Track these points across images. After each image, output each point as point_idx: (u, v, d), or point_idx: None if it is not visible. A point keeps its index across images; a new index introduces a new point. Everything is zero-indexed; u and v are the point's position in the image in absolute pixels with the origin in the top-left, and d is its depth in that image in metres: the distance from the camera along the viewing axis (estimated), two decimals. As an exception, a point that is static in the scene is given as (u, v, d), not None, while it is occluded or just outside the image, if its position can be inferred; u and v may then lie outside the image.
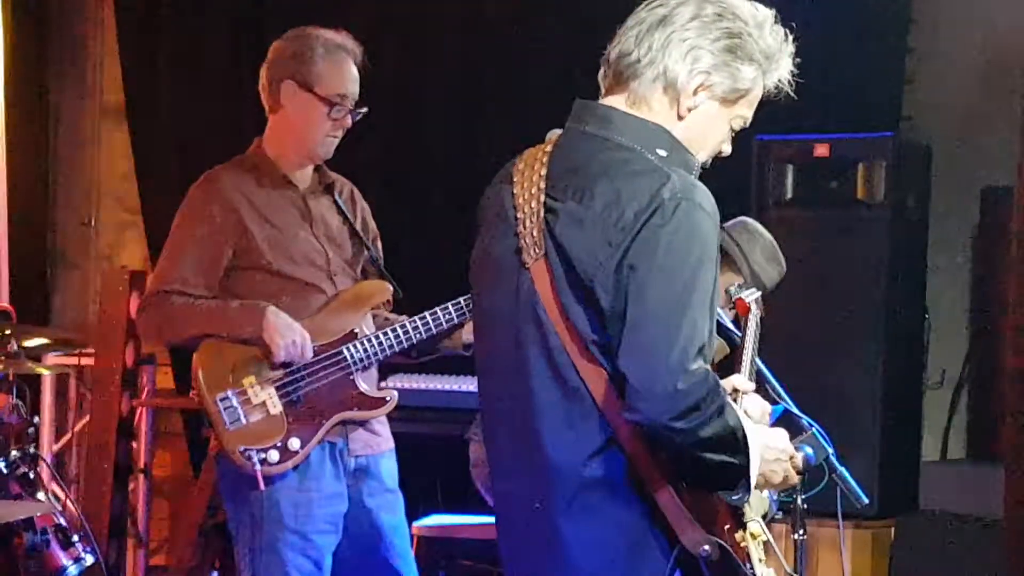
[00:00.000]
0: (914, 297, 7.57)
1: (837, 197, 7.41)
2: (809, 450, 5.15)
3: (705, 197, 3.89)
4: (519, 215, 4.06)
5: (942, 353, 7.90)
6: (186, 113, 8.30)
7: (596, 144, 4.03)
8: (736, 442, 3.86)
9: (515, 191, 4.10)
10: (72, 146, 8.79)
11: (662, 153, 3.96)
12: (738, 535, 4.00)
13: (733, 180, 7.19)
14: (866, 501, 5.38)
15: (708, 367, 3.82)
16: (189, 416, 7.31)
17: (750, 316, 4.52)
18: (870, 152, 7.37)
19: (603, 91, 4.12)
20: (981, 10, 7.73)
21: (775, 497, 6.16)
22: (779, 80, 4.10)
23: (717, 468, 3.87)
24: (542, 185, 4.06)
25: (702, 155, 4.11)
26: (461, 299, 5.65)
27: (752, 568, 4.00)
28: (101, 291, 7.32)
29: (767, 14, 4.07)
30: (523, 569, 4.16)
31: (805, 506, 5.20)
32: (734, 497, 3.98)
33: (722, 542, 3.90)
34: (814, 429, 5.20)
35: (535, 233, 4.02)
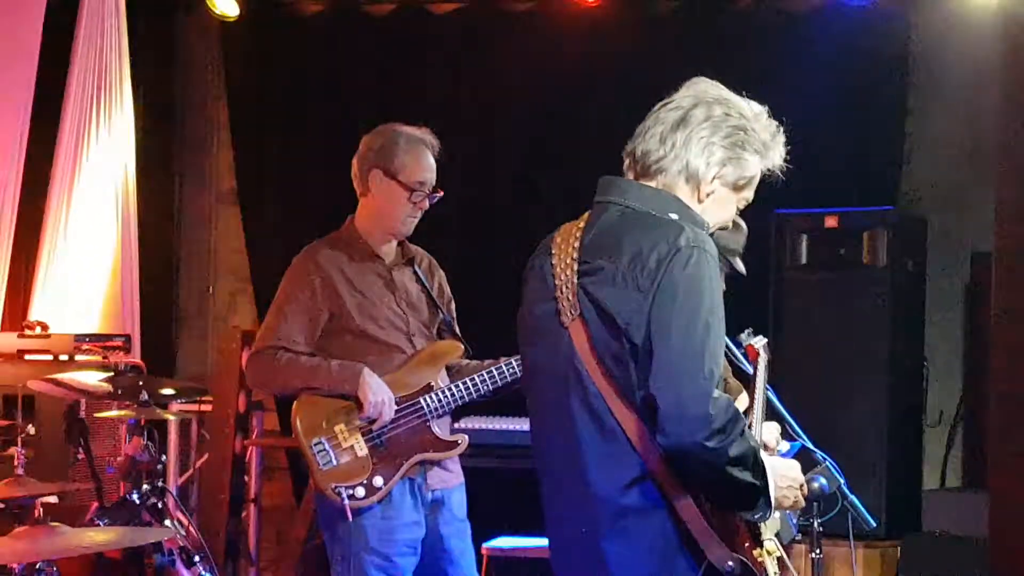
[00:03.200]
0: (914, 347, 7.58)
1: (845, 262, 7.44)
2: (823, 480, 5.17)
3: (711, 245, 3.95)
4: (556, 282, 4.07)
5: (939, 395, 7.92)
6: (288, 196, 8.46)
7: (619, 211, 4.07)
8: (757, 463, 3.87)
9: (553, 262, 4.10)
10: (193, 226, 8.85)
11: (674, 216, 3.97)
12: (756, 552, 3.98)
13: (755, 247, 7.25)
14: (874, 524, 5.39)
15: (728, 396, 3.85)
16: (292, 453, 7.35)
17: (759, 360, 4.54)
18: (873, 223, 7.42)
19: (629, 174, 4.16)
20: (967, 100, 7.79)
21: (795, 521, 6.19)
22: (774, 165, 4.15)
23: (741, 487, 3.86)
24: (575, 256, 4.06)
25: (714, 226, 4.14)
26: None
27: None
28: (217, 347, 7.38)
29: (761, 109, 4.14)
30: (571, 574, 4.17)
31: (821, 529, 5.16)
32: (756, 516, 3.99)
33: (743, 558, 3.90)
34: (827, 462, 5.23)
35: (571, 297, 4.02)
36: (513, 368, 5.80)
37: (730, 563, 3.86)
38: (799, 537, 6.09)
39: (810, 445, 5.21)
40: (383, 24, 8.59)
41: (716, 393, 3.79)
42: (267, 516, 7.68)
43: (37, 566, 4.75)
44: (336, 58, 8.51)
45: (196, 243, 8.89)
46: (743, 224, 4.89)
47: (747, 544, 3.98)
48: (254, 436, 7.48)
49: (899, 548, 7.30)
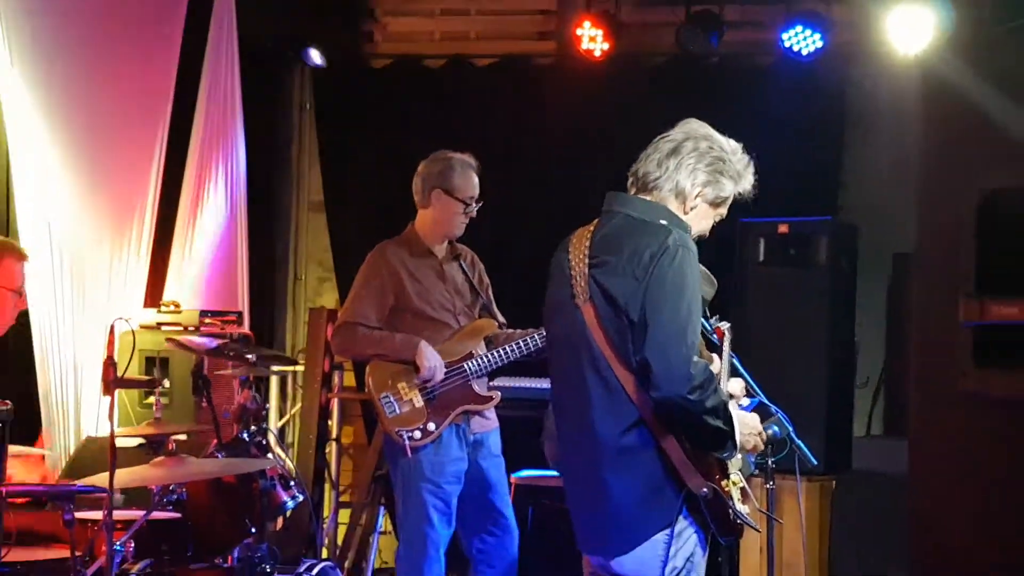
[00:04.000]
0: (847, 326, 7.49)
1: (794, 260, 7.33)
2: (776, 428, 5.12)
3: (693, 245, 4.01)
4: (572, 272, 4.10)
5: (866, 364, 7.86)
6: (362, 205, 8.44)
7: (620, 219, 4.11)
8: (726, 413, 3.93)
9: (569, 257, 4.14)
10: (288, 230, 8.84)
11: (663, 222, 4.02)
12: (724, 483, 4.01)
13: (723, 249, 7.29)
14: (815, 463, 5.48)
15: (705, 361, 3.94)
16: (365, 404, 7.32)
17: (725, 338, 4.49)
18: (816, 230, 7.32)
19: (632, 191, 4.20)
20: (891, 136, 7.75)
21: (753, 460, 6.17)
22: (744, 190, 4.19)
23: (714, 431, 3.90)
24: (587, 252, 4.09)
25: (695, 234, 4.14)
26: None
27: (733, 504, 4.01)
28: (308, 322, 7.33)
29: (737, 146, 4.19)
30: (583, 506, 4.14)
31: (774, 466, 5.13)
32: (724, 455, 4.02)
33: (714, 486, 3.94)
34: (779, 414, 5.18)
35: (583, 284, 4.06)
36: (536, 340, 5.81)
37: (704, 489, 3.92)
38: (756, 472, 6.06)
39: (766, 401, 5.16)
40: (435, 73, 8.59)
41: (695, 359, 3.86)
42: (345, 452, 7.66)
43: (171, 488, 4.75)
44: (399, 99, 8.49)
45: (291, 243, 8.89)
46: (714, 280, 4.90)
47: (717, 476, 4.00)
48: (336, 390, 7.46)
49: (834, 482, 7.23)
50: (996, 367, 2.80)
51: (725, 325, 4.60)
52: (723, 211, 4.22)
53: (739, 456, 4.20)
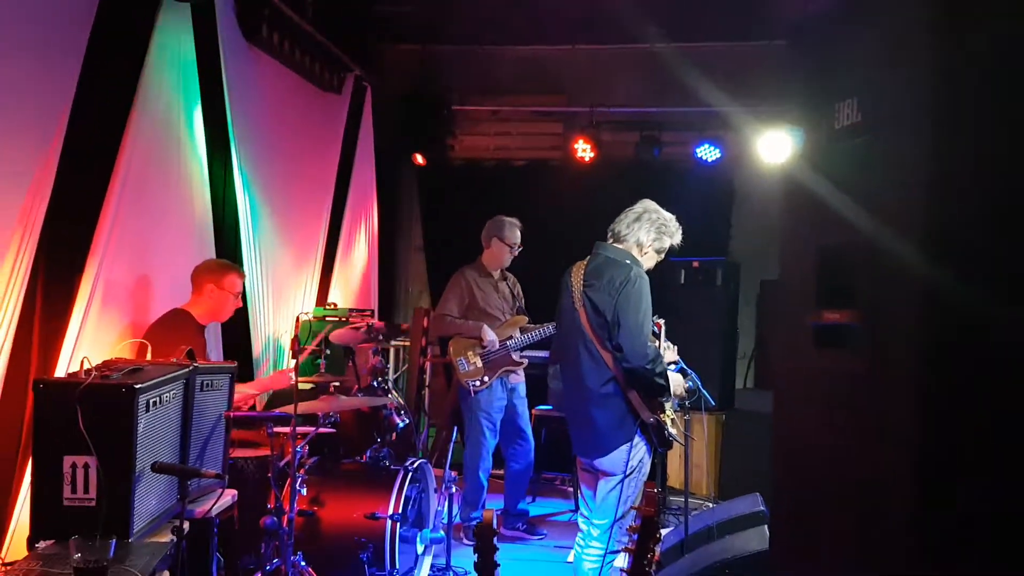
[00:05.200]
0: (733, 324, 7.50)
1: (701, 284, 7.34)
2: (691, 383, 5.10)
3: (645, 275, 4.03)
4: (573, 290, 4.13)
5: (744, 346, 7.82)
6: (447, 248, 8.28)
7: (602, 258, 4.10)
8: (665, 375, 3.96)
9: (571, 280, 4.15)
10: (401, 262, 8.80)
11: (628, 261, 4.04)
12: (663, 416, 4.05)
13: (655, 276, 7.22)
14: (714, 404, 5.38)
15: (655, 345, 3.96)
16: (446, 365, 7.30)
17: (661, 329, 4.51)
18: (715, 265, 7.35)
19: (610, 241, 4.18)
20: (762, 207, 7.66)
21: (676, 403, 6.10)
22: (675, 243, 4.20)
23: (658, 386, 3.94)
24: (582, 277, 4.10)
25: (646, 268, 4.14)
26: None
27: (668, 429, 4.04)
28: (412, 316, 7.33)
29: (672, 216, 4.21)
30: (578, 427, 4.13)
31: (688, 406, 5.17)
32: (663, 399, 4.05)
33: (657, 417, 3.99)
34: (692, 375, 5.20)
35: (579, 297, 4.08)
36: (547, 330, 5.77)
37: (652, 419, 3.92)
38: (679, 410, 6.02)
39: (685, 367, 5.15)
40: (490, 170, 8.58)
41: (649, 342, 3.89)
42: (433, 393, 7.62)
43: (330, 414, 4.73)
44: (469, 182, 8.45)
45: (403, 268, 8.85)
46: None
47: (659, 412, 4.04)
48: (428, 356, 7.45)
49: (724, 416, 7.18)
50: (825, 349, 2.74)
51: (661, 320, 4.59)
52: (662, 256, 4.23)
53: (673, 401, 4.22)
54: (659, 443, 4.03)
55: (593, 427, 4.02)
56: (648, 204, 4.22)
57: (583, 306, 4.06)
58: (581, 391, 4.04)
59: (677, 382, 4.23)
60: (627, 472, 3.99)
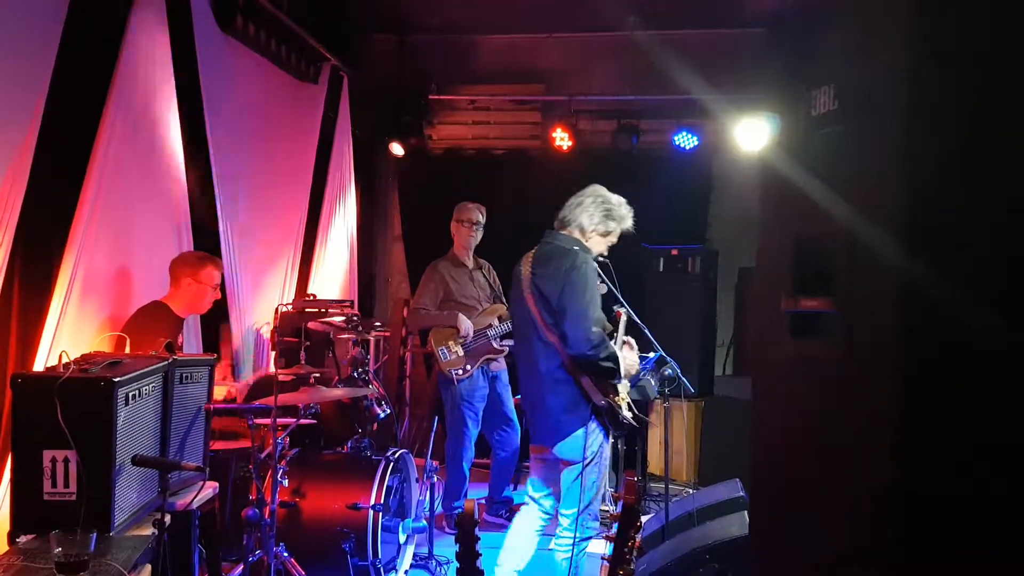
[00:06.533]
0: (711, 312, 7.49)
1: (680, 271, 7.33)
2: (670, 371, 5.07)
3: (591, 260, 4.03)
4: (523, 278, 4.15)
5: (722, 334, 7.83)
6: (424, 237, 8.18)
7: (550, 246, 4.13)
8: (614, 358, 3.96)
9: (522, 268, 4.18)
10: (380, 252, 8.72)
11: (575, 248, 4.05)
12: (616, 399, 4.03)
13: (638, 264, 7.25)
14: (693, 391, 5.40)
15: (601, 330, 3.91)
16: (427, 356, 7.30)
17: (621, 318, 4.46)
18: (693, 253, 7.33)
19: (556, 228, 4.21)
20: (740, 195, 7.68)
21: (657, 389, 6.07)
22: (627, 228, 4.19)
23: (607, 370, 3.95)
24: (530, 265, 4.14)
25: (595, 254, 4.16)
26: None
27: (622, 412, 4.03)
28: (391, 307, 7.32)
29: (622, 200, 4.20)
30: (532, 415, 4.17)
31: (668, 393, 5.18)
32: (614, 382, 4.04)
33: (609, 401, 3.99)
34: (672, 362, 5.19)
35: (527, 284, 4.12)
36: None
37: (603, 401, 3.93)
38: (659, 397, 6.04)
39: (664, 355, 5.16)
40: (469, 158, 8.52)
41: (595, 328, 3.88)
42: (414, 383, 7.62)
43: (310, 406, 4.73)
44: (447, 172, 8.40)
45: (382, 258, 8.78)
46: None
47: (611, 395, 4.02)
48: (408, 347, 7.45)
49: (703, 402, 7.20)
50: (801, 336, 2.76)
51: (622, 309, 4.61)
52: (612, 239, 4.22)
53: (626, 383, 4.21)
54: (613, 426, 4.06)
55: (548, 413, 4.02)
56: (595, 188, 4.24)
57: (531, 294, 4.10)
58: (535, 378, 4.07)
59: (631, 361, 4.23)
60: (588, 459, 4.00)
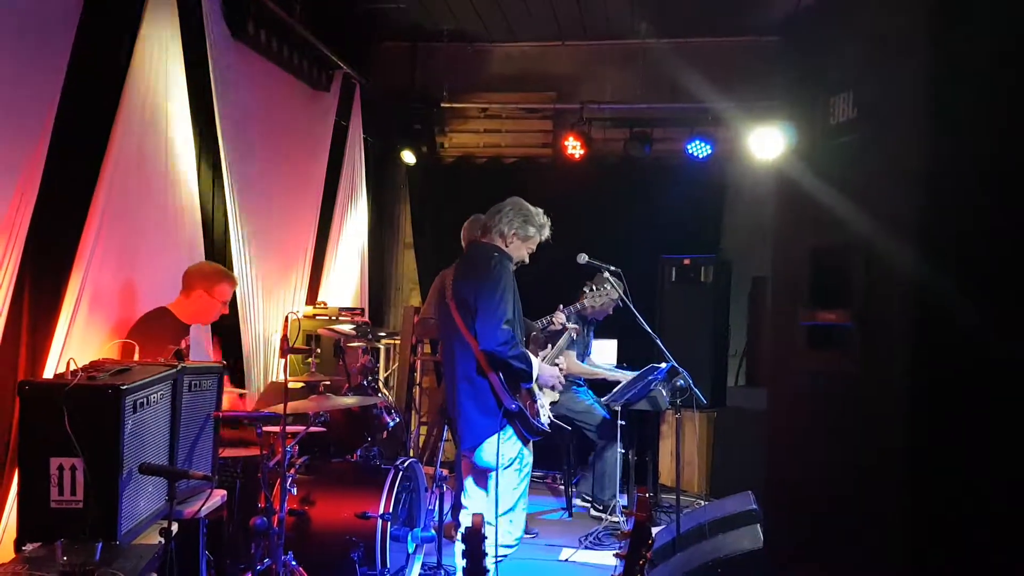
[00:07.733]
0: (724, 321, 7.49)
1: (693, 281, 7.31)
2: (682, 381, 5.09)
3: (508, 265, 4.14)
4: (447, 284, 4.28)
5: (735, 343, 7.78)
6: (434, 245, 8.25)
7: (472, 251, 4.31)
8: (527, 359, 4.03)
9: (446, 279, 4.32)
10: (391, 261, 8.71)
11: (496, 254, 4.16)
12: (531, 404, 4.12)
13: (651, 274, 7.22)
14: (705, 402, 5.37)
15: (511, 328, 3.95)
16: (436, 363, 7.27)
17: (566, 330, 4.61)
18: (706, 263, 7.33)
19: (479, 237, 4.33)
20: (754, 206, 7.69)
21: (668, 399, 6.03)
22: (545, 237, 4.31)
23: (518, 370, 4.02)
24: (454, 273, 4.27)
25: (516, 260, 4.25)
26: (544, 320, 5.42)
27: (533, 420, 4.10)
28: (402, 315, 7.29)
29: (539, 210, 4.33)
30: (454, 420, 4.22)
31: (680, 404, 5.18)
32: (527, 386, 4.11)
33: (521, 405, 4.05)
34: (684, 373, 5.18)
35: (449, 291, 4.21)
36: (545, 322, 5.57)
37: (514, 404, 4.02)
38: (670, 407, 5.99)
39: (676, 365, 5.15)
40: (480, 167, 8.48)
41: (505, 327, 3.92)
42: (423, 392, 7.59)
43: (320, 414, 4.70)
44: (458, 180, 8.37)
45: (393, 266, 8.76)
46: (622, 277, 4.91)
47: (528, 401, 4.11)
48: (418, 355, 7.41)
49: (716, 413, 7.17)
50: (817, 349, 2.73)
51: (574, 326, 4.71)
52: (532, 245, 4.33)
53: (553, 393, 4.37)
54: (527, 432, 4.11)
55: (466, 417, 4.08)
56: (513, 200, 4.34)
57: (453, 300, 4.18)
58: (455, 382, 4.14)
59: (550, 372, 4.27)
60: (504, 464, 4.06)
